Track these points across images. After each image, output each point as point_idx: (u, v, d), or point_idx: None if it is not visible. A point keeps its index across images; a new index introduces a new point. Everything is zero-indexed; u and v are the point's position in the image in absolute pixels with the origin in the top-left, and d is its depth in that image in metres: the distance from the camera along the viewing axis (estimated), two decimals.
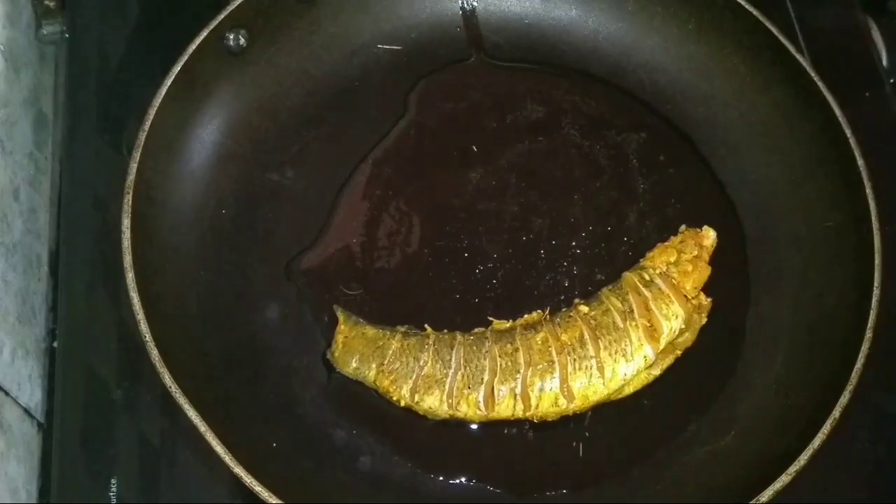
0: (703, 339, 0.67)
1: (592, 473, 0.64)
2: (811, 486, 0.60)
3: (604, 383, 0.63)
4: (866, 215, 0.66)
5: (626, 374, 0.63)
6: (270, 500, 0.55)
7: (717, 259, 0.68)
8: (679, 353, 0.66)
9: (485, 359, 0.64)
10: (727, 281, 0.69)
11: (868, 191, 0.66)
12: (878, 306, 0.62)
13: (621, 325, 0.64)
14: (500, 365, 0.63)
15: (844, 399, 0.59)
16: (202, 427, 0.57)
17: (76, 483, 0.64)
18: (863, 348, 0.61)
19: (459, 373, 0.63)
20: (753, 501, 0.57)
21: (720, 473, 0.63)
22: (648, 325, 0.64)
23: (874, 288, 0.63)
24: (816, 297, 0.68)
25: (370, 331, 0.66)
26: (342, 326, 0.66)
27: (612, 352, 0.63)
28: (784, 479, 0.57)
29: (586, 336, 0.64)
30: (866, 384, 0.60)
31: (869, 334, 0.61)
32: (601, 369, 0.63)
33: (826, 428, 0.58)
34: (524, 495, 0.63)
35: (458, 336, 0.66)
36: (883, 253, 0.64)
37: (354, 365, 0.65)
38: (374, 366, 0.64)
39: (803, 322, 0.68)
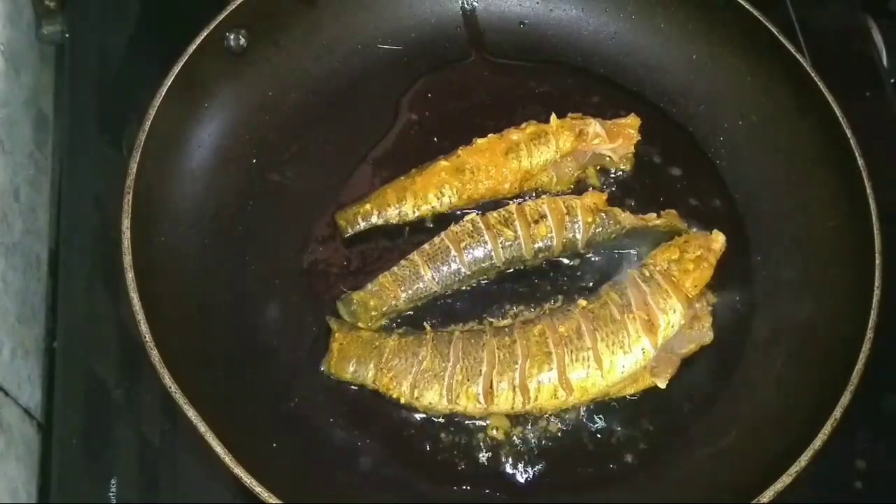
0: None
1: (594, 474, 0.64)
2: (812, 486, 0.60)
3: (602, 375, 0.63)
4: (866, 215, 0.66)
5: (624, 367, 0.63)
6: (270, 501, 0.55)
7: (717, 259, 0.68)
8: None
9: (483, 351, 0.64)
10: (728, 281, 0.69)
11: (868, 191, 0.66)
12: (878, 306, 0.62)
13: (619, 318, 0.64)
14: (498, 357, 0.63)
15: (845, 399, 0.59)
16: (202, 427, 0.57)
17: (76, 483, 0.64)
18: (863, 348, 0.61)
19: (458, 366, 0.63)
20: (755, 501, 0.57)
21: (721, 473, 0.63)
22: (646, 318, 0.63)
23: (874, 288, 0.63)
24: (817, 297, 0.68)
25: (366, 333, 0.66)
26: (336, 334, 0.66)
27: (610, 343, 0.63)
28: (785, 480, 0.57)
29: (584, 328, 0.63)
30: (867, 384, 0.60)
31: (869, 334, 0.61)
32: (598, 361, 0.63)
33: (827, 428, 0.59)
34: (525, 497, 0.63)
35: (457, 332, 0.66)
36: (883, 253, 0.64)
37: (352, 369, 0.65)
38: (371, 366, 0.64)
39: (804, 322, 0.68)
